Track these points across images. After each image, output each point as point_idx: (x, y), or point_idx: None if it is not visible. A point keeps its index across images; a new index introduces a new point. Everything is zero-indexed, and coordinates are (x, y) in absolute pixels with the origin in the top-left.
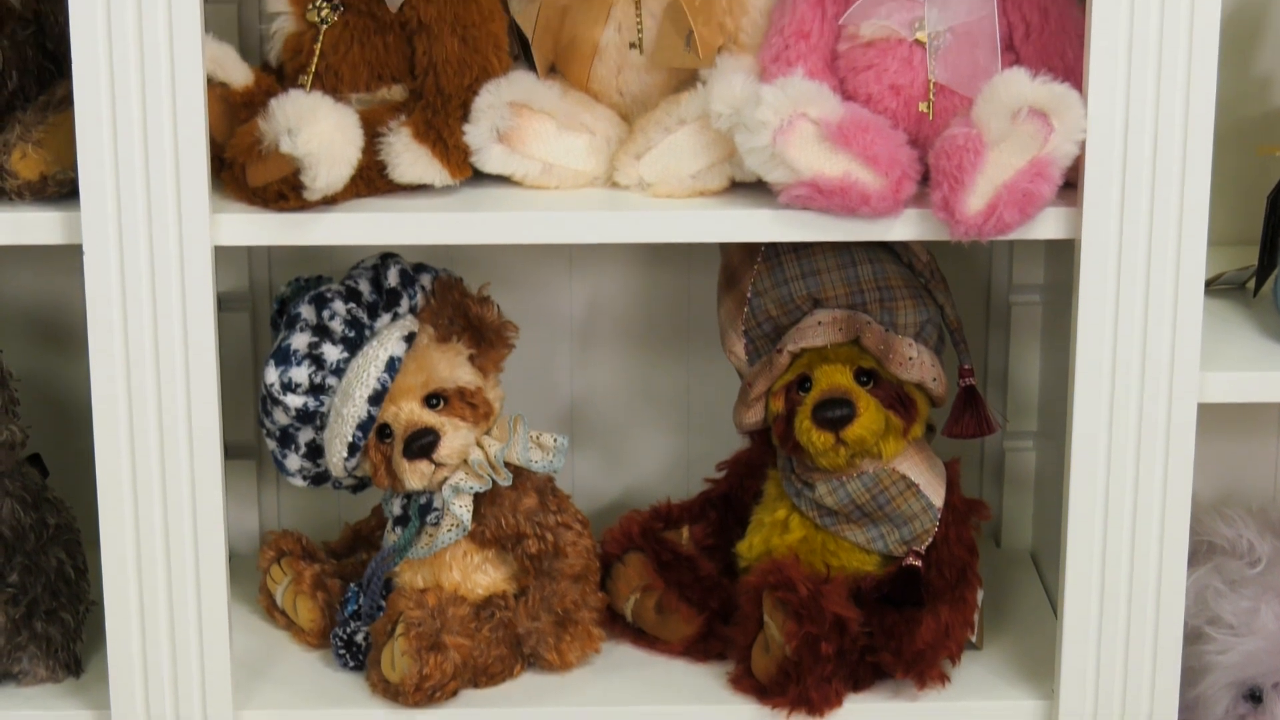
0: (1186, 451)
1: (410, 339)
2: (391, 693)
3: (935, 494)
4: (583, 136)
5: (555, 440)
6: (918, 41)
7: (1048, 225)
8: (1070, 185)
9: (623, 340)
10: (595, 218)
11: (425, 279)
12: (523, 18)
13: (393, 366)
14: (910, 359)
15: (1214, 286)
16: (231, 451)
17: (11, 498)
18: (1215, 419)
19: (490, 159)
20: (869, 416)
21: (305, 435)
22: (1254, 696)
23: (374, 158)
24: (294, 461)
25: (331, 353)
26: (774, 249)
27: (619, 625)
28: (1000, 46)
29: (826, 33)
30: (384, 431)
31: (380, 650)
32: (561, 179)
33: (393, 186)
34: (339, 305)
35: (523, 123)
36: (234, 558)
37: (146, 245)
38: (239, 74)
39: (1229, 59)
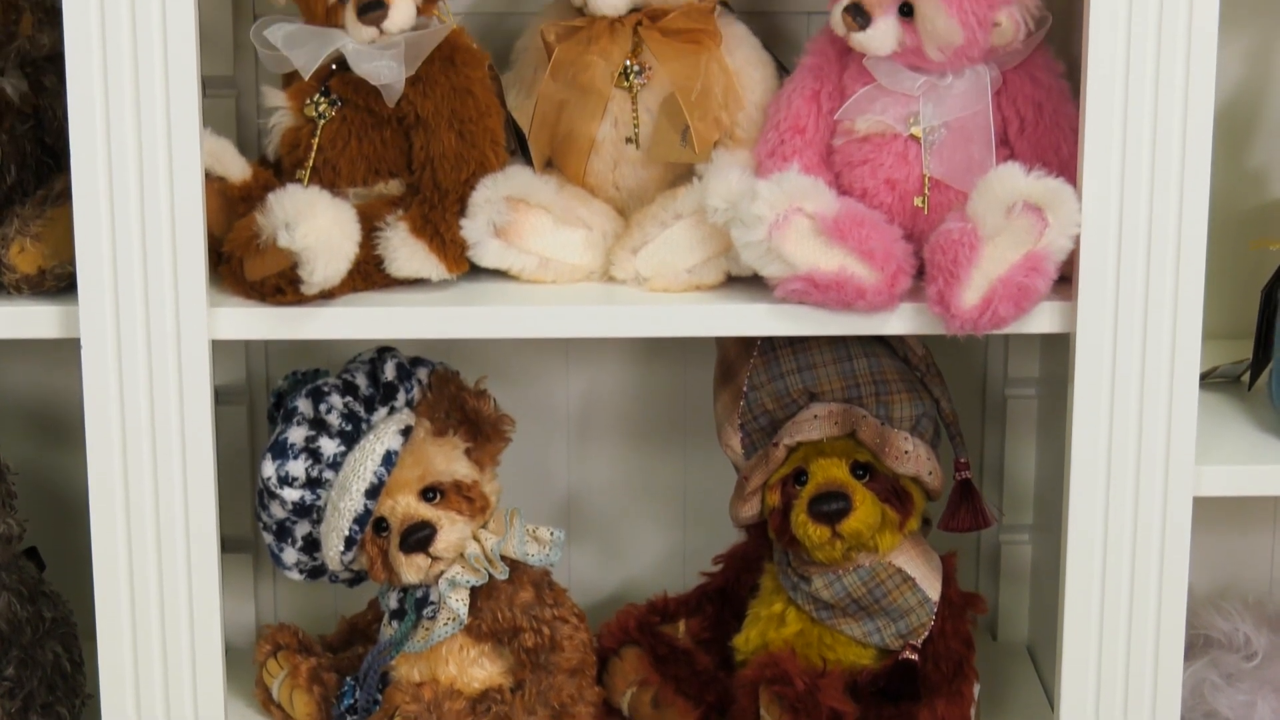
0: (1182, 545)
1: (407, 432)
2: None
3: (931, 588)
4: (579, 231)
5: (552, 534)
6: (913, 136)
7: (1043, 319)
8: (1065, 279)
9: (619, 434)
10: (592, 312)
11: (422, 373)
12: (519, 113)
13: (389, 460)
14: (906, 453)
15: (1209, 380)
16: (228, 545)
17: (8, 591)
18: (1211, 512)
19: (487, 253)
20: (865, 510)
21: (302, 529)
22: None
23: (371, 252)
24: (290, 555)
25: (328, 446)
26: (770, 343)
27: (616, 719)
28: (995, 141)
29: (822, 128)
30: (380, 525)
31: None
32: (558, 273)
33: (390, 280)
34: (336, 399)
35: (519, 217)
36: (230, 651)
37: (144, 339)
38: (237, 168)
39: (1223, 152)
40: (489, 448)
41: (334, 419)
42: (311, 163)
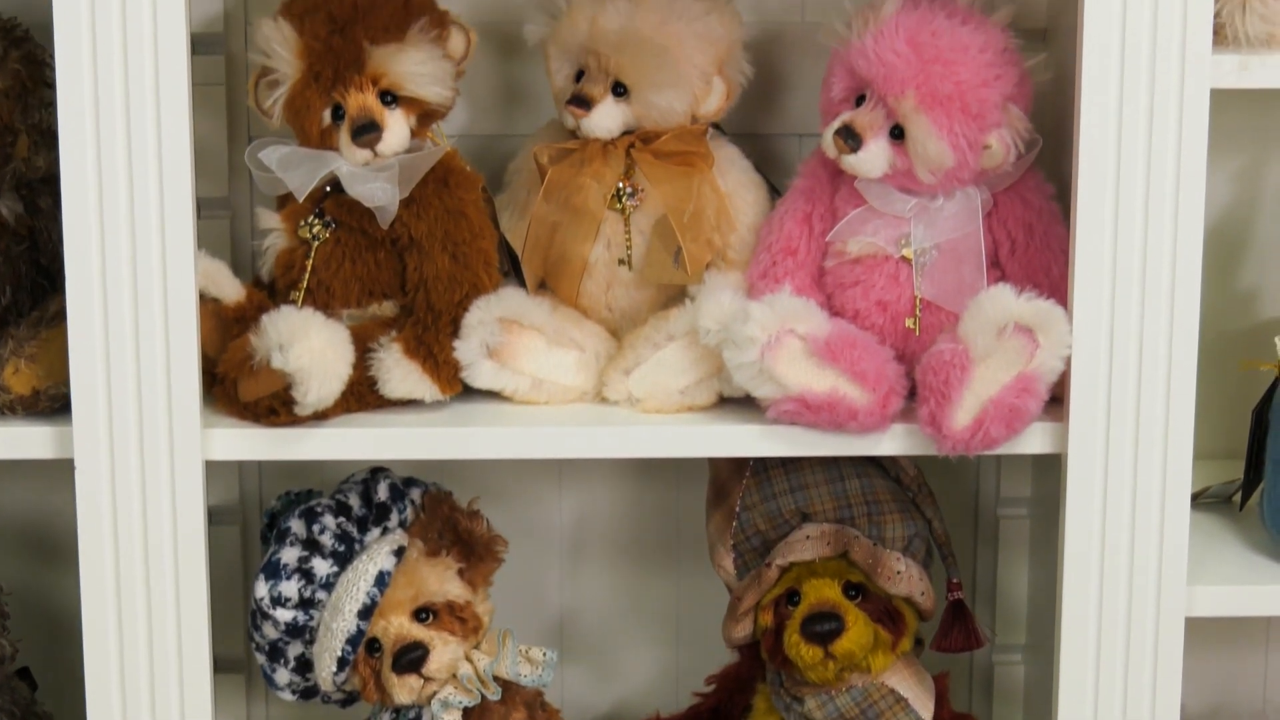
0: (1175, 665)
1: (400, 553)
2: None
3: (924, 708)
4: (572, 352)
5: (544, 654)
6: (904, 258)
7: (1034, 440)
8: (1056, 400)
9: (612, 554)
10: (584, 433)
11: (415, 493)
12: (513, 234)
13: (382, 581)
14: (898, 573)
15: (1200, 500)
16: (221, 665)
17: (1, 712)
18: (1203, 632)
19: (480, 375)
20: (857, 630)
21: (294, 649)
22: None
23: (365, 373)
24: (283, 676)
25: (321, 567)
26: (762, 464)
27: None
28: (986, 263)
29: (814, 249)
30: (373, 646)
31: None
32: (551, 394)
33: (383, 401)
34: (329, 520)
35: (512, 339)
36: None
37: (138, 460)
38: (231, 290)
39: (1213, 273)
40: (482, 568)
41: (327, 539)
42: (305, 284)
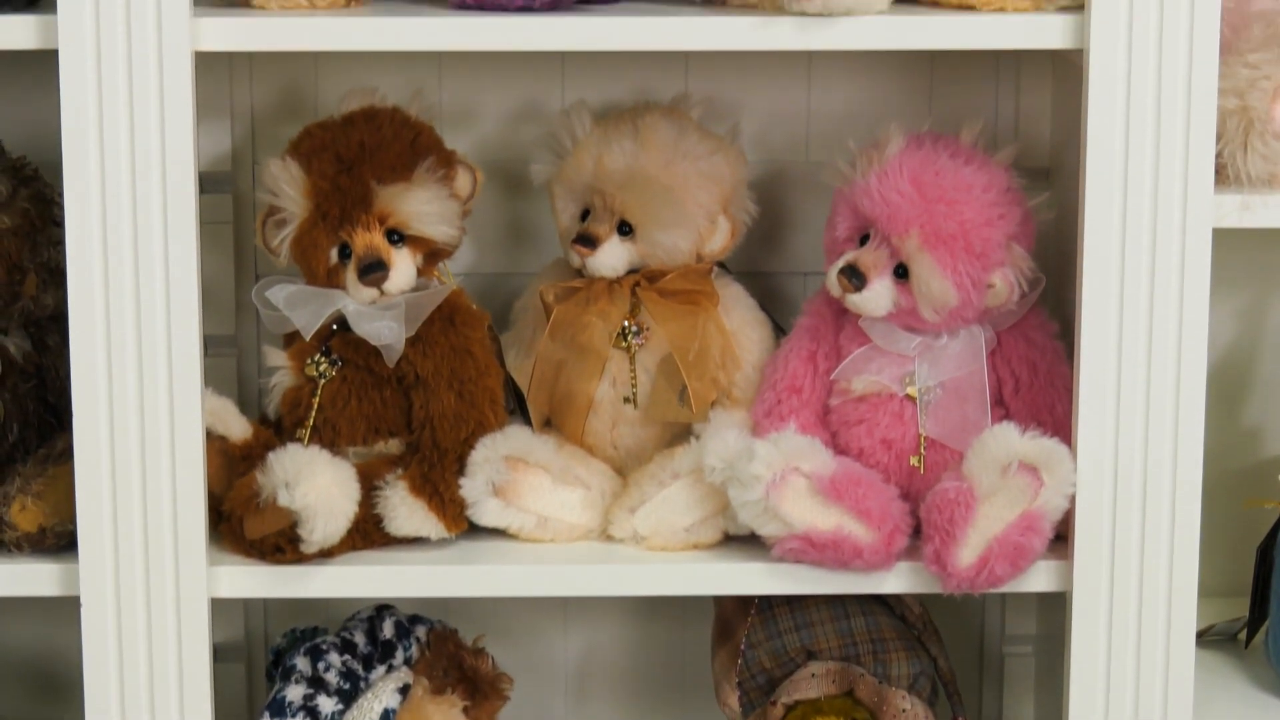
0: None
1: (405, 691)
2: None
3: None
4: (577, 490)
5: None
6: (908, 396)
7: (1039, 578)
8: (1061, 538)
9: (618, 692)
10: (590, 571)
11: (420, 631)
12: (518, 372)
13: (387, 718)
14: (904, 711)
15: (1205, 638)
16: None
17: None
18: None
19: (486, 513)
20: None
21: None
22: None
23: (371, 511)
24: None
25: (326, 705)
26: (767, 601)
27: None
28: (990, 401)
29: (818, 387)
30: None
31: None
32: (556, 532)
33: (389, 539)
34: (334, 657)
35: (518, 476)
36: None
37: (144, 597)
38: (238, 427)
39: (1217, 411)
40: (487, 706)
41: (332, 677)
42: (312, 422)
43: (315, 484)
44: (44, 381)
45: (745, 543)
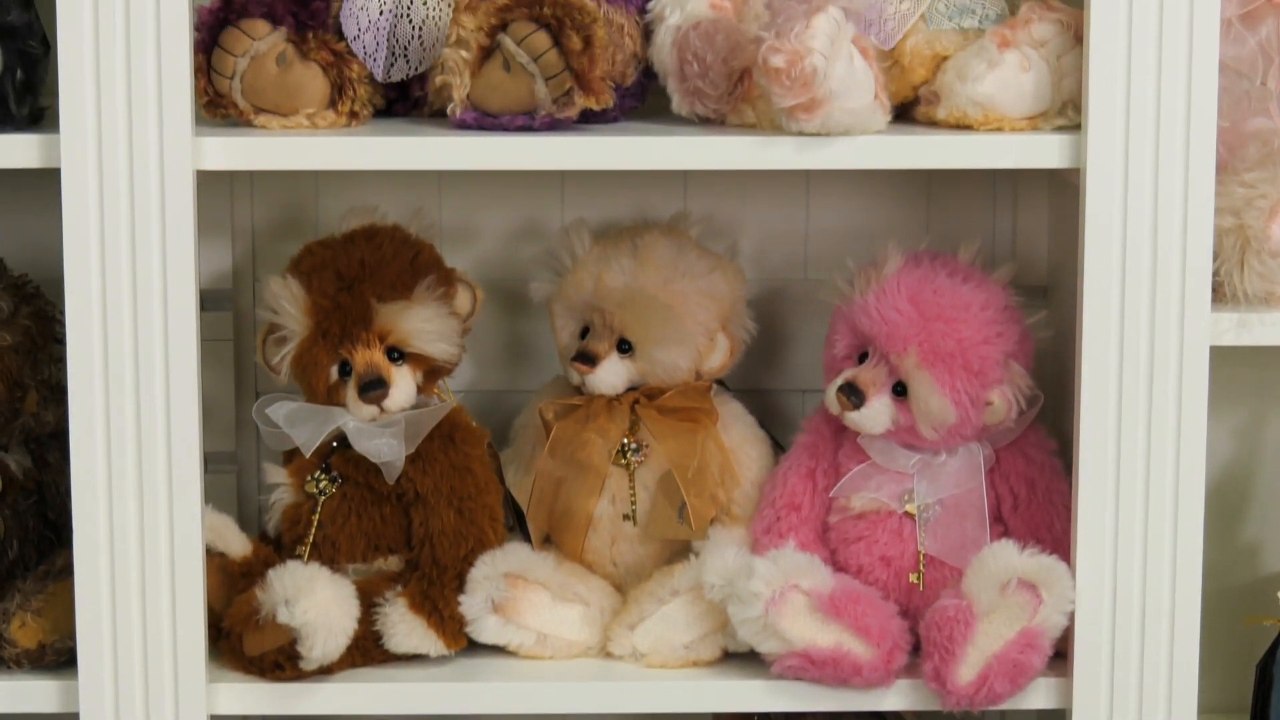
0: None
1: None
2: None
3: None
4: (577, 607)
5: None
6: (907, 514)
7: (1038, 695)
8: (1060, 655)
9: None
10: (590, 688)
11: None
12: (518, 489)
13: None
14: None
15: None
16: None
17: None
18: None
19: (485, 630)
20: None
21: None
22: None
23: (370, 628)
24: None
25: None
26: (767, 718)
27: None
28: (989, 518)
29: (817, 505)
30: None
31: None
32: (556, 649)
33: (389, 656)
34: None
35: (518, 594)
36: None
37: (143, 713)
38: (237, 544)
39: (1215, 528)
40: None
41: None
42: (311, 539)
43: (315, 601)
44: (44, 498)
45: (745, 660)
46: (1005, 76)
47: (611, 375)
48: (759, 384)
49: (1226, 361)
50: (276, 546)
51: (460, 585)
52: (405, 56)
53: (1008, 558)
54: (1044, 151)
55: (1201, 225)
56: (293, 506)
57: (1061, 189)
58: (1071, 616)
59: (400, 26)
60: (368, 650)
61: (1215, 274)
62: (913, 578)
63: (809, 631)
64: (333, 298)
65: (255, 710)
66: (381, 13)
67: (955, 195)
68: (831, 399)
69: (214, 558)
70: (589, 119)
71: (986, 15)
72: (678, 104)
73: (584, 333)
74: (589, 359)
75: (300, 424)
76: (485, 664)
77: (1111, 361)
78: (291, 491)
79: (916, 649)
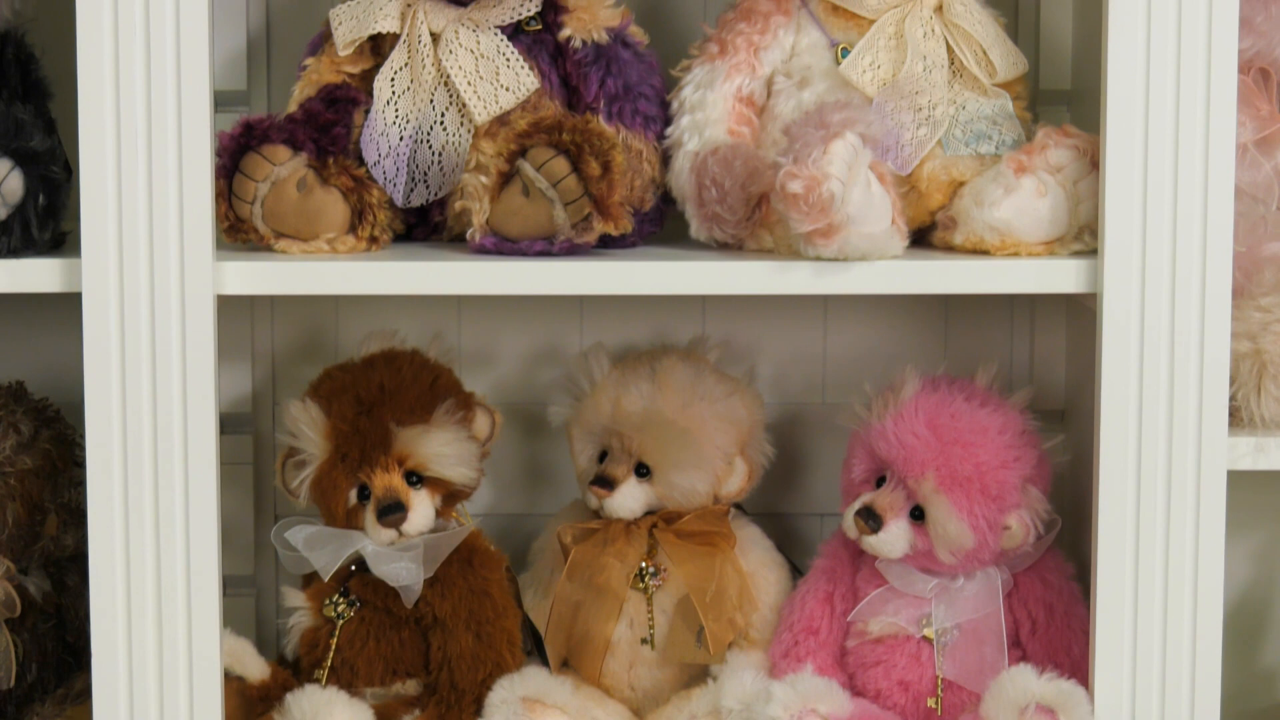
0: None
1: None
2: None
3: None
4: None
5: None
6: (925, 638)
7: None
8: None
9: None
10: None
11: None
12: (536, 613)
13: None
14: None
15: None
16: None
17: None
18: None
19: None
20: None
21: None
22: None
23: None
24: None
25: None
26: None
27: None
28: (1007, 642)
29: (835, 629)
30: None
31: None
32: None
33: None
34: None
35: (536, 718)
36: None
37: None
38: (255, 668)
39: (1233, 652)
40: None
41: None
42: (330, 663)
43: None
44: (63, 621)
45: None
46: (1022, 202)
47: (630, 499)
48: (777, 508)
49: (1244, 485)
50: (295, 670)
51: (478, 709)
52: (425, 182)
53: (1026, 682)
54: (1061, 276)
55: (1218, 350)
56: (311, 630)
57: (1079, 313)
58: None
59: (420, 152)
60: None
61: (1232, 398)
62: (931, 702)
63: None
64: (352, 422)
65: None
66: (402, 138)
67: (972, 320)
68: (849, 523)
69: (232, 681)
70: (608, 244)
71: (1003, 141)
72: (696, 229)
73: (602, 456)
74: (607, 483)
75: (319, 548)
76: None
77: (1129, 486)
78: (310, 615)
79: None
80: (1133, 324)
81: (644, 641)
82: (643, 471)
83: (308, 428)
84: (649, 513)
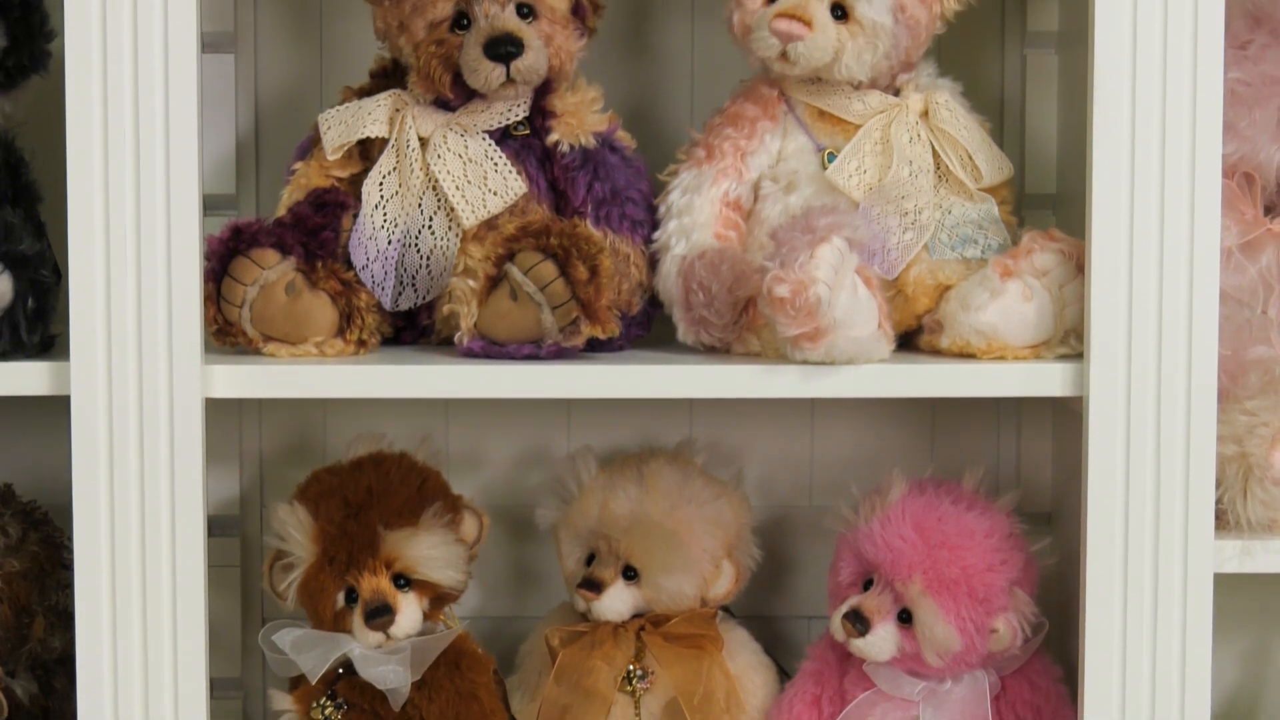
0: None
1: None
2: None
3: None
4: None
5: None
6: None
7: None
8: None
9: None
10: None
11: None
12: (523, 716)
13: None
14: None
15: None
16: None
17: None
18: None
19: None
20: None
21: None
22: None
23: None
24: None
25: None
26: None
27: None
28: None
29: None
30: None
31: None
32: None
33: None
34: None
35: None
36: None
37: None
38: None
39: None
40: None
41: None
42: None
43: None
44: None
45: None
46: (1008, 306)
47: (617, 602)
48: (764, 610)
49: (1230, 588)
50: None
51: None
52: (413, 285)
53: None
54: (1047, 380)
55: (1204, 453)
56: None
57: (1065, 416)
58: None
59: (408, 256)
60: None
61: (1219, 501)
62: None
63: None
64: (339, 525)
65: None
66: (390, 242)
67: (959, 422)
68: (837, 626)
69: None
70: (595, 347)
71: (989, 245)
72: (683, 332)
73: (590, 559)
74: (595, 586)
75: (306, 650)
76: None
77: (1116, 589)
78: (297, 718)
79: None
80: (1119, 427)
81: None
82: (630, 574)
83: (295, 530)
84: (636, 615)
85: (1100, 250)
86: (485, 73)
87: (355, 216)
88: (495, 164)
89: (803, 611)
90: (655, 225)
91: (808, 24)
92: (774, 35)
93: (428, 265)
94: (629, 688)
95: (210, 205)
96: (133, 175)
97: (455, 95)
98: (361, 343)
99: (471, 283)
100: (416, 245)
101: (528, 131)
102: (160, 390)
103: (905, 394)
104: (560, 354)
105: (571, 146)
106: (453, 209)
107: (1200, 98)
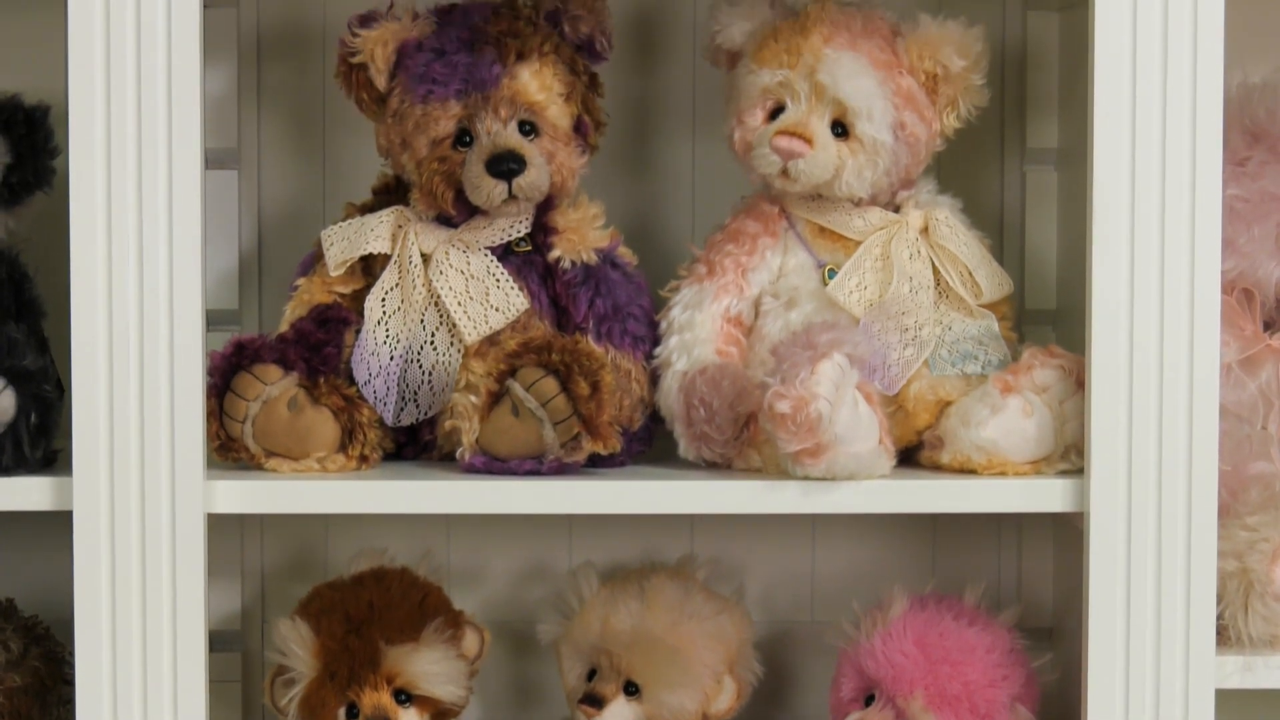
0: None
1: None
2: None
3: None
4: None
5: None
6: None
7: None
8: None
9: None
10: None
11: None
12: None
13: None
14: None
15: None
16: None
17: None
18: None
19: None
20: None
21: None
22: None
23: None
24: None
25: None
26: None
27: None
28: None
29: None
30: None
31: None
32: None
33: None
34: None
35: None
36: None
37: None
38: None
39: None
40: None
41: None
42: None
43: None
44: None
45: None
46: (1008, 422)
47: (618, 718)
48: None
49: (1232, 704)
50: None
51: None
52: (415, 401)
53: None
54: (1047, 496)
55: (1205, 569)
56: None
57: (1065, 532)
58: None
59: (410, 372)
60: None
61: (1219, 617)
62: None
63: None
64: (341, 640)
65: None
66: (392, 358)
67: (960, 538)
68: None
69: None
70: (597, 463)
71: (989, 361)
72: (684, 448)
73: (591, 675)
74: (596, 701)
75: None
76: None
77: (1117, 704)
78: None
79: None
80: (1119, 543)
81: None
82: (632, 690)
83: (297, 646)
84: None
85: (1100, 366)
86: (488, 190)
87: (358, 332)
88: (497, 280)
89: None
90: (657, 341)
91: (809, 141)
92: (775, 152)
93: (430, 381)
94: None
95: (213, 321)
96: (136, 290)
97: (457, 212)
98: (363, 458)
99: (473, 398)
100: (419, 361)
101: (529, 248)
102: (162, 506)
103: (906, 510)
104: (562, 470)
105: (573, 263)
106: (455, 325)
107: (1199, 214)
